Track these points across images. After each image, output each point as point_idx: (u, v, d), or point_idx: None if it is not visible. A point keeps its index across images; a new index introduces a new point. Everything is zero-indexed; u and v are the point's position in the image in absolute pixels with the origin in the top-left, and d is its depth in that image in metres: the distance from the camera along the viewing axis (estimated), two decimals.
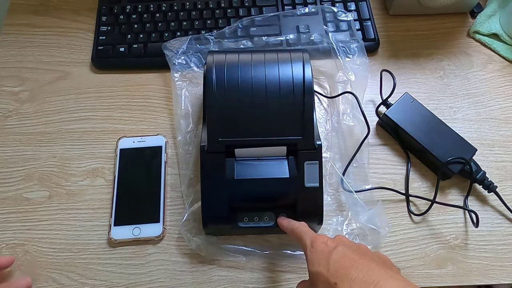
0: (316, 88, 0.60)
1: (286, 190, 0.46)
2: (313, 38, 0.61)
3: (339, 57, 0.58)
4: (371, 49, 0.63)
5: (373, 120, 0.59)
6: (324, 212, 0.47)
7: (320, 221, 0.47)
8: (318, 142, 0.47)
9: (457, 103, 0.60)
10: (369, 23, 0.64)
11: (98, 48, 0.62)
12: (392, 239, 0.52)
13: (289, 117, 0.47)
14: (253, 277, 0.49)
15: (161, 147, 0.55)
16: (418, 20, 0.66)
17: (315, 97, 0.59)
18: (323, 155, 0.53)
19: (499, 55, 0.64)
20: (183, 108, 0.57)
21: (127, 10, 0.64)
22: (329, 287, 0.35)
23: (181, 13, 0.64)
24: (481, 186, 0.53)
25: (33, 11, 0.66)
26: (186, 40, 0.59)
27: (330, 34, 0.60)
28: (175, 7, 0.64)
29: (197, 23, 0.63)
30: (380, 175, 0.55)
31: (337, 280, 0.34)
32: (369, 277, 0.33)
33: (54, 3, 0.67)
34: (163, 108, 0.59)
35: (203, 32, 0.62)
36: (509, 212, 0.53)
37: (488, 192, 0.53)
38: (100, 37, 0.63)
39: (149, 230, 0.51)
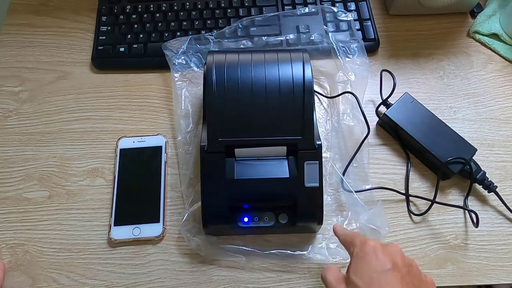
0: (316, 88, 0.60)
1: (286, 190, 0.46)
2: (313, 38, 0.61)
3: (339, 57, 0.58)
4: (371, 49, 0.62)
5: (373, 120, 0.59)
6: (324, 212, 0.47)
7: (320, 221, 0.47)
8: (318, 142, 0.47)
9: (457, 103, 0.60)
10: (369, 23, 0.64)
11: (98, 48, 0.62)
12: (392, 239, 0.52)
13: (289, 117, 0.47)
14: (253, 277, 0.49)
15: (161, 147, 0.55)
16: (418, 20, 0.66)
17: (315, 97, 0.59)
18: (323, 155, 0.53)
19: (499, 55, 0.64)
20: (183, 108, 0.57)
21: (127, 10, 0.64)
22: None
23: (181, 13, 0.64)
24: (481, 186, 0.53)
25: (33, 11, 0.66)
26: (186, 40, 0.59)
27: (330, 34, 0.60)
28: (175, 7, 0.64)
29: (197, 23, 0.63)
30: (380, 175, 0.55)
31: None
32: None
33: (54, 3, 0.67)
34: (163, 108, 0.59)
35: (203, 32, 0.62)
36: (509, 212, 0.53)
37: (488, 192, 0.53)
38: (100, 37, 0.63)
39: (149, 230, 0.51)
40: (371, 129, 0.54)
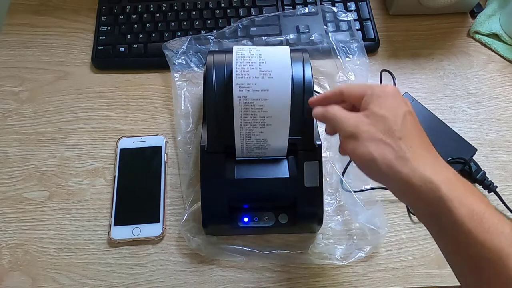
0: (316, 88, 0.60)
1: (286, 190, 0.46)
2: (313, 38, 0.61)
3: (339, 57, 0.58)
4: (371, 49, 0.62)
5: None
6: (324, 212, 0.47)
7: (320, 221, 0.47)
8: (318, 142, 0.47)
9: (457, 103, 0.60)
10: (369, 23, 0.64)
11: (98, 48, 0.62)
12: (392, 239, 0.52)
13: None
14: (253, 277, 0.49)
15: (161, 147, 0.55)
16: (418, 20, 0.66)
17: None
18: (323, 155, 0.53)
19: (499, 55, 0.64)
20: (183, 108, 0.57)
21: (127, 10, 0.64)
22: (391, 135, 0.34)
23: (181, 13, 0.64)
24: (481, 186, 0.53)
25: (33, 11, 0.66)
26: (186, 40, 0.59)
27: (330, 34, 0.61)
28: (175, 7, 0.64)
29: (197, 23, 0.63)
30: None
31: (403, 137, 0.34)
32: (432, 164, 0.33)
33: (54, 3, 0.67)
34: (163, 108, 0.59)
35: (203, 32, 0.62)
36: (509, 212, 0.53)
37: (488, 192, 0.53)
38: (100, 37, 0.63)
39: (149, 230, 0.51)
40: None
